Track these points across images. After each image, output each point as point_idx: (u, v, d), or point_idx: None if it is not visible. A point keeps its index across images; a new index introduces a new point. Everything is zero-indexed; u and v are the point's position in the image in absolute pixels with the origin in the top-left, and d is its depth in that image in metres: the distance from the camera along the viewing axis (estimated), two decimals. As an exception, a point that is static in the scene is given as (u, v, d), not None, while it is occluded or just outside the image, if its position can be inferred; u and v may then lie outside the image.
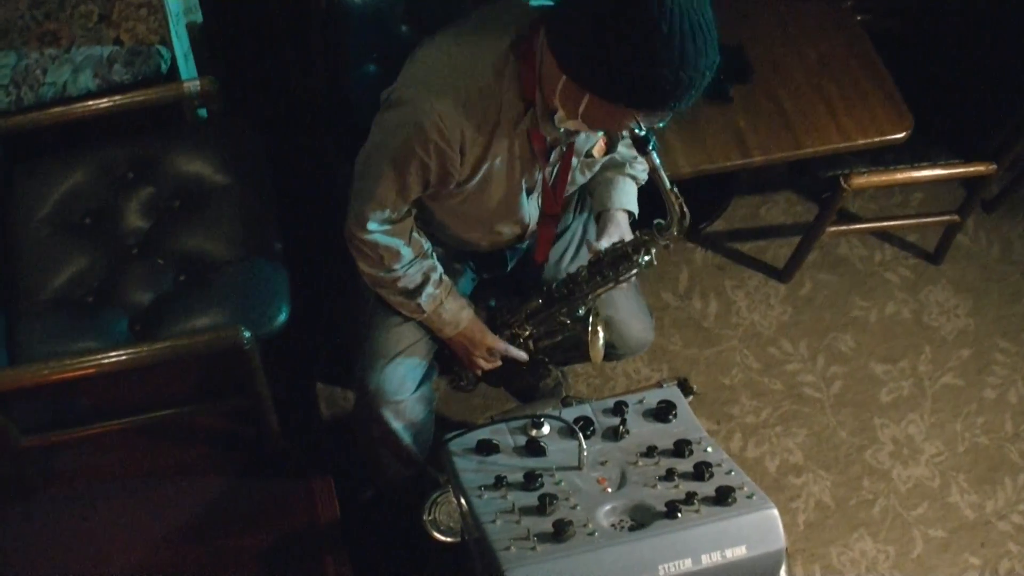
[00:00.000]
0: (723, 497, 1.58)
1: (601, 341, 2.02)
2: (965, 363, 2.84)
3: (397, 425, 2.06)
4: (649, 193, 1.90)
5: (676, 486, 1.63)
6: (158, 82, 2.26)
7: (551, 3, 1.70)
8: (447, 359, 2.13)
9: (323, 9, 2.18)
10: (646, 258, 1.87)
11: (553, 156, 1.84)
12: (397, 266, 1.91)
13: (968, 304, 2.94)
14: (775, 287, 2.93)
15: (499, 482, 1.65)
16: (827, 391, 2.77)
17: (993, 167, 2.58)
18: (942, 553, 2.56)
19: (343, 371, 2.59)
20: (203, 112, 2.33)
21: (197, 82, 2.21)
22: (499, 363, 2.09)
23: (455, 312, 1.99)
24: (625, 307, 2.13)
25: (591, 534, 1.53)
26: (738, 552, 1.55)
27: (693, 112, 2.32)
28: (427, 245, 1.97)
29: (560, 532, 1.51)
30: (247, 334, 1.93)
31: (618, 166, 2.03)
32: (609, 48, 1.47)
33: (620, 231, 1.99)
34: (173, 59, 2.26)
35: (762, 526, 1.57)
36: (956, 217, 2.83)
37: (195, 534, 2.20)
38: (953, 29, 2.73)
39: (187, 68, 2.31)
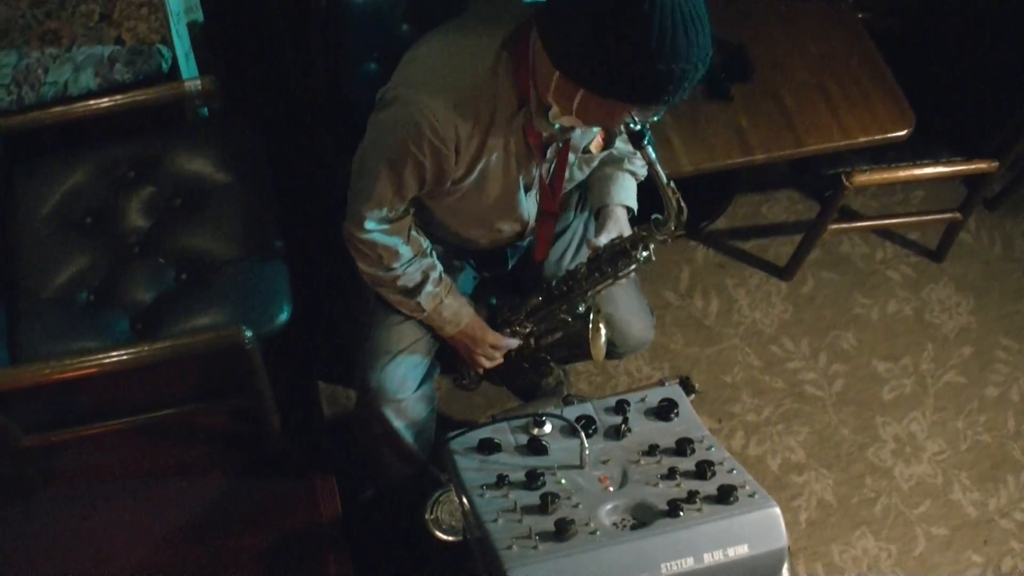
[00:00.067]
0: (725, 496, 1.58)
1: (603, 338, 2.02)
2: (967, 361, 2.84)
3: (398, 424, 2.05)
4: (648, 191, 1.90)
5: (678, 485, 1.63)
6: (159, 81, 2.26)
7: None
8: (450, 358, 2.13)
9: (323, 8, 2.18)
10: (644, 254, 1.87)
11: (549, 152, 1.84)
12: (396, 265, 1.91)
13: (970, 302, 2.94)
14: (776, 285, 2.93)
15: (501, 481, 1.65)
16: (829, 389, 2.77)
17: (995, 165, 2.58)
18: (944, 551, 2.56)
19: (344, 370, 2.59)
20: (204, 111, 2.33)
21: (198, 81, 2.21)
22: (501, 361, 2.09)
23: (455, 310, 1.99)
24: (626, 305, 2.13)
25: (593, 533, 1.53)
26: (740, 551, 1.55)
27: (694, 111, 2.32)
28: (426, 244, 1.97)
29: (562, 531, 1.51)
30: (248, 333, 1.93)
31: (616, 162, 2.03)
32: (601, 43, 1.47)
33: (619, 227, 1.98)
34: (174, 58, 2.26)
35: (764, 524, 1.57)
36: (958, 215, 2.83)
37: (196, 534, 2.20)
38: (954, 27, 2.73)
39: (188, 67, 2.31)
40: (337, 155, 2.28)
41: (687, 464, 1.68)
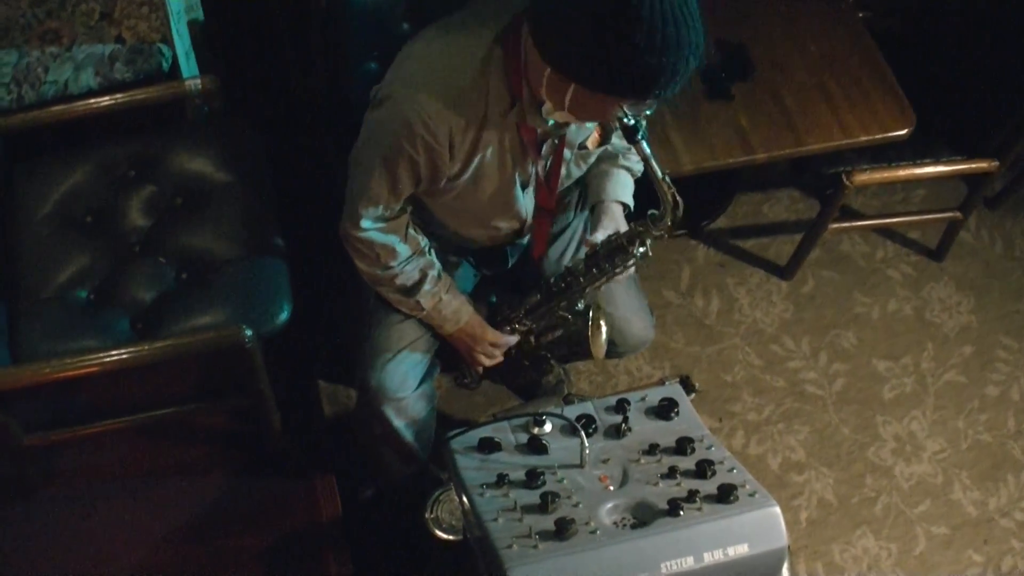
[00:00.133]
0: (725, 495, 1.58)
1: (604, 336, 2.02)
2: (967, 360, 2.84)
3: (399, 423, 2.05)
4: (648, 189, 1.90)
5: (678, 484, 1.63)
6: (159, 80, 2.25)
7: None
8: (451, 356, 2.13)
9: (323, 8, 2.18)
10: (641, 249, 1.86)
11: (545, 148, 1.84)
12: (394, 263, 1.91)
13: (970, 301, 2.94)
14: (777, 284, 2.93)
15: (501, 480, 1.65)
16: (829, 388, 2.77)
17: (995, 164, 2.58)
18: (945, 550, 2.56)
19: (344, 370, 2.59)
20: (204, 110, 2.33)
21: (198, 80, 2.21)
22: (501, 359, 2.09)
23: (455, 308, 1.99)
24: (625, 305, 2.13)
25: (593, 532, 1.52)
26: (740, 550, 1.54)
27: (695, 110, 2.32)
28: (424, 242, 1.97)
29: (562, 530, 1.51)
30: (249, 332, 1.93)
31: (611, 158, 2.03)
32: (591, 37, 1.46)
33: (615, 223, 1.98)
34: (174, 57, 2.26)
35: (764, 524, 1.57)
36: (958, 214, 2.83)
37: (196, 534, 2.20)
38: (954, 26, 2.73)
39: (188, 66, 2.30)
40: (337, 155, 2.27)
41: (687, 463, 1.68)
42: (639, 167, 2.03)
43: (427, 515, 2.07)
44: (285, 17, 2.63)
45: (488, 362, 2.09)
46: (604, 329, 2.02)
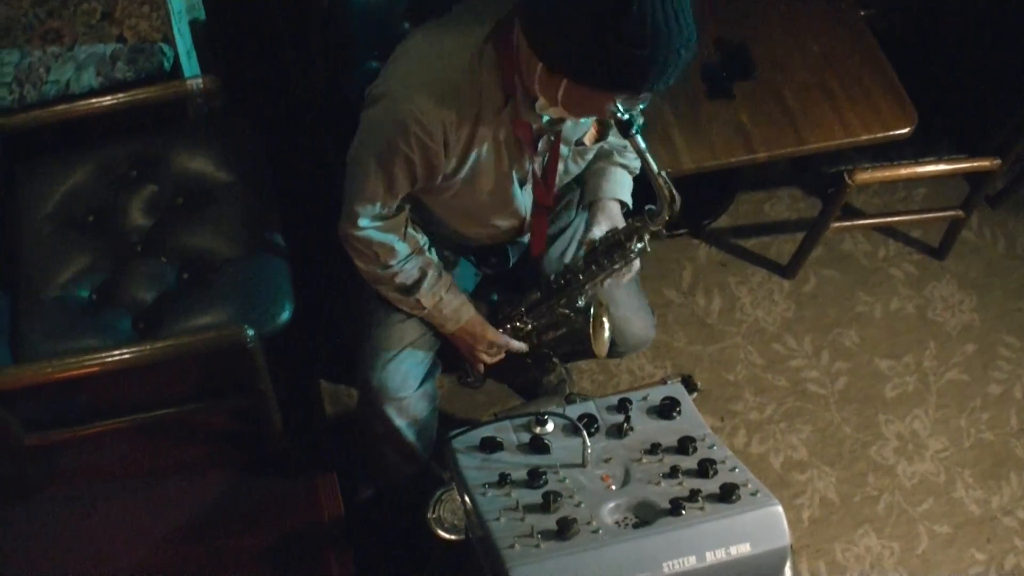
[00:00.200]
0: (727, 494, 1.58)
1: (607, 333, 2.02)
2: (970, 359, 2.84)
3: (400, 422, 2.05)
4: (646, 186, 1.89)
5: (680, 483, 1.63)
6: (161, 80, 2.25)
7: None
8: (452, 356, 2.13)
9: (324, 8, 2.18)
10: (639, 245, 1.86)
11: (541, 145, 1.84)
12: (393, 262, 1.91)
13: (973, 299, 2.93)
14: (779, 283, 2.93)
15: (503, 479, 1.65)
16: (831, 387, 2.77)
17: (998, 162, 2.57)
18: (947, 549, 2.56)
19: (345, 369, 2.58)
20: (205, 110, 2.33)
21: (200, 80, 2.21)
22: (502, 357, 2.09)
23: (455, 307, 1.99)
24: (626, 304, 2.13)
25: (595, 532, 1.52)
26: (743, 549, 1.54)
27: (696, 109, 2.32)
28: (424, 240, 1.97)
29: (564, 530, 1.51)
30: (250, 332, 1.93)
31: (608, 155, 2.02)
32: (582, 32, 1.47)
33: (611, 220, 1.98)
34: (176, 57, 2.25)
35: (766, 523, 1.57)
36: (960, 212, 2.83)
37: (197, 533, 2.20)
38: (956, 24, 2.73)
39: (190, 66, 2.30)
40: (337, 155, 2.27)
41: (689, 463, 1.68)
42: (636, 164, 2.03)
43: (429, 515, 2.07)
44: (285, 17, 2.63)
45: (489, 361, 2.08)
46: (607, 326, 2.02)
